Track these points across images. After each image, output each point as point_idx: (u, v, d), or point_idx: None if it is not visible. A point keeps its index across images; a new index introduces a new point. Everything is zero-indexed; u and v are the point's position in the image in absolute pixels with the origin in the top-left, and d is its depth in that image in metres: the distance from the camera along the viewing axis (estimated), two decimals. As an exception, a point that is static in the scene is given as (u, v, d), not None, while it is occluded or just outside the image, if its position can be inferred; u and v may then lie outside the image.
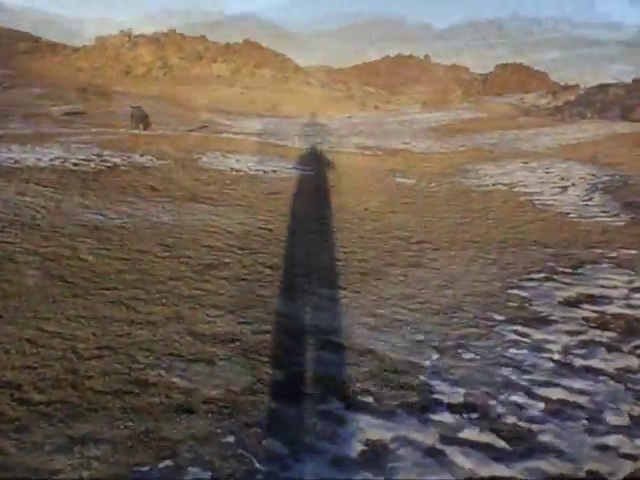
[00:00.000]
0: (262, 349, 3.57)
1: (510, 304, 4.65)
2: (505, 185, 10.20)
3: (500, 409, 3.13)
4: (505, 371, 3.55)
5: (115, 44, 46.84)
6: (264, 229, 6.54)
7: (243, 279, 4.77)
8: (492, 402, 3.20)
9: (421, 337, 3.97)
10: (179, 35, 49.73)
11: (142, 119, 15.94)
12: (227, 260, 5.22)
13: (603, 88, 37.73)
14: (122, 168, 8.81)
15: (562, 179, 10.53)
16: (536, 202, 8.76)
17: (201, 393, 3.01)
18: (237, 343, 3.61)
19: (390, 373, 3.43)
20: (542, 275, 5.37)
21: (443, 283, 5.11)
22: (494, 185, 10.25)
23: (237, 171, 10.05)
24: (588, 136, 16.74)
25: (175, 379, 3.11)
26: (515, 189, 9.85)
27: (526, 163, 12.54)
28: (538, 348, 3.88)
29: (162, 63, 45.27)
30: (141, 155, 9.98)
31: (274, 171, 10.46)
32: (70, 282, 4.24)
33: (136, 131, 15.17)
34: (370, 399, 3.14)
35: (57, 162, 8.57)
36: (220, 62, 46.65)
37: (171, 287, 4.39)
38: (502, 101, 39.41)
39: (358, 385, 3.27)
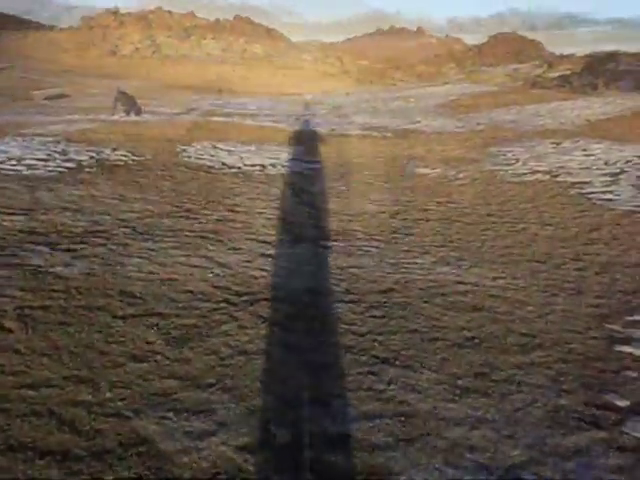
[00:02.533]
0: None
1: (628, 374, 3.19)
2: (545, 173, 8.66)
3: None
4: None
5: (101, 23, 45.27)
6: (266, 256, 4.85)
7: (242, 352, 3.19)
8: None
9: (517, 453, 2.50)
10: (167, 12, 47.98)
11: (129, 104, 14.56)
12: (217, 317, 3.57)
13: (612, 56, 35.96)
14: (87, 170, 7.13)
15: (606, 164, 9.04)
16: (590, 197, 7.27)
17: None
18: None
19: None
20: (650, 315, 3.95)
21: (517, 339, 3.56)
22: (532, 174, 8.70)
23: (229, 167, 8.44)
24: (616, 110, 15.21)
25: None
26: (558, 178, 8.34)
27: (557, 144, 11.07)
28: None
29: (150, 42, 43.64)
30: (114, 150, 8.34)
31: (273, 165, 8.84)
32: (-27, 379, 2.71)
33: (116, 117, 13.72)
34: None
35: (6, 165, 6.87)
36: (210, 39, 44.95)
37: (132, 376, 2.86)
38: (498, 72, 37.64)
39: None
